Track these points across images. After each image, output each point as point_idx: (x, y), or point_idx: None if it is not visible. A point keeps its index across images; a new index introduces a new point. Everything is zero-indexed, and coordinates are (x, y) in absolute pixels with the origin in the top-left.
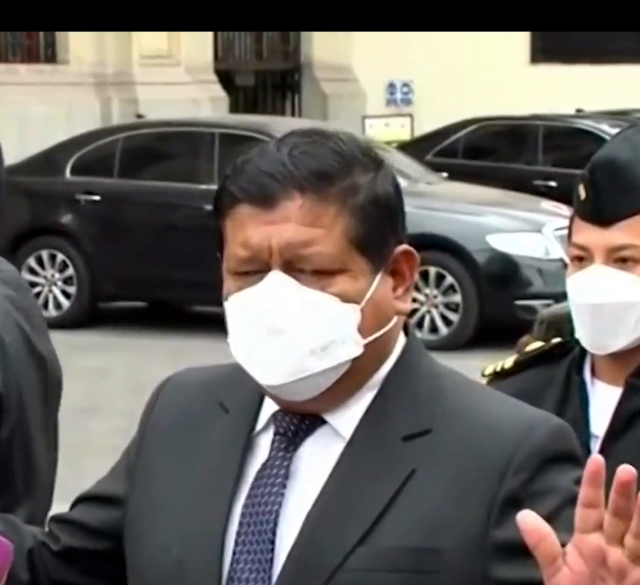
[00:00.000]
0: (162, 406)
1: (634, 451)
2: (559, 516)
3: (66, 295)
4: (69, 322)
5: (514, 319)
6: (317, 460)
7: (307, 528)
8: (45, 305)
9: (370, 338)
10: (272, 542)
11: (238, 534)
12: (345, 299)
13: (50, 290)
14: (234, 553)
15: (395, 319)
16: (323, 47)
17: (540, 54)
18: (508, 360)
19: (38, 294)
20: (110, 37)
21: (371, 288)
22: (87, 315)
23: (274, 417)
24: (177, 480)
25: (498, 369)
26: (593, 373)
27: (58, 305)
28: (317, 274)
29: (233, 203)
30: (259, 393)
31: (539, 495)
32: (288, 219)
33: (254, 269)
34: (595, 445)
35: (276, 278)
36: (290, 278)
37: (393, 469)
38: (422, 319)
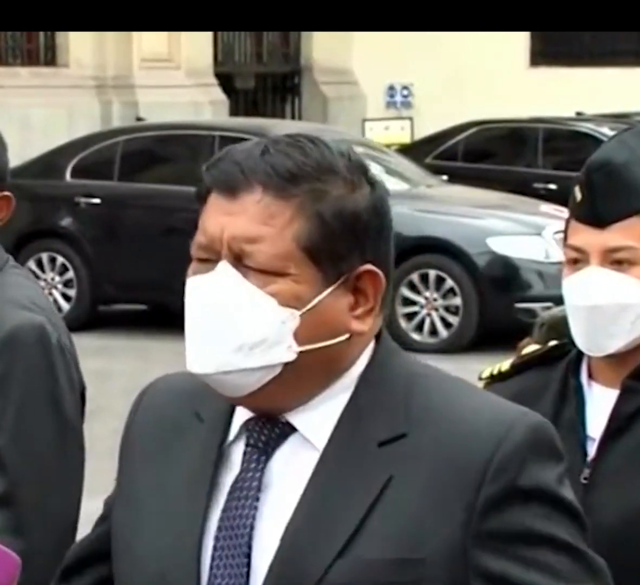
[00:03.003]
0: (143, 413)
1: (630, 453)
2: (533, 559)
3: (66, 298)
4: (69, 325)
5: (514, 322)
6: (291, 470)
7: (285, 542)
8: None
9: (307, 347)
10: (248, 556)
11: (214, 548)
12: (283, 301)
13: (51, 293)
14: (211, 568)
15: (346, 336)
16: (323, 50)
17: (540, 56)
18: (505, 363)
19: None
20: (110, 40)
21: (318, 297)
22: (88, 318)
23: (245, 426)
24: (153, 492)
25: (495, 372)
26: (590, 375)
27: (58, 308)
28: (261, 273)
29: (207, 190)
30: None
31: (511, 535)
32: (244, 212)
33: (210, 258)
34: (592, 448)
35: (221, 270)
36: (235, 271)
37: (369, 477)
38: (422, 322)
